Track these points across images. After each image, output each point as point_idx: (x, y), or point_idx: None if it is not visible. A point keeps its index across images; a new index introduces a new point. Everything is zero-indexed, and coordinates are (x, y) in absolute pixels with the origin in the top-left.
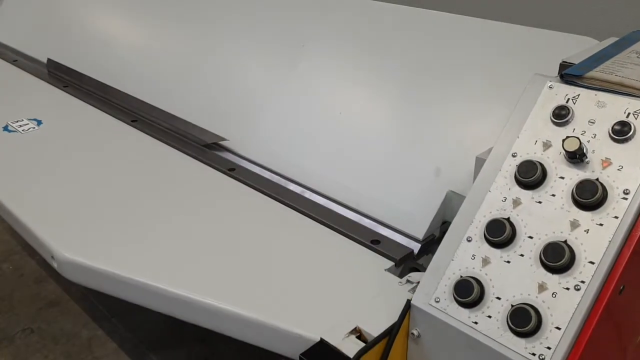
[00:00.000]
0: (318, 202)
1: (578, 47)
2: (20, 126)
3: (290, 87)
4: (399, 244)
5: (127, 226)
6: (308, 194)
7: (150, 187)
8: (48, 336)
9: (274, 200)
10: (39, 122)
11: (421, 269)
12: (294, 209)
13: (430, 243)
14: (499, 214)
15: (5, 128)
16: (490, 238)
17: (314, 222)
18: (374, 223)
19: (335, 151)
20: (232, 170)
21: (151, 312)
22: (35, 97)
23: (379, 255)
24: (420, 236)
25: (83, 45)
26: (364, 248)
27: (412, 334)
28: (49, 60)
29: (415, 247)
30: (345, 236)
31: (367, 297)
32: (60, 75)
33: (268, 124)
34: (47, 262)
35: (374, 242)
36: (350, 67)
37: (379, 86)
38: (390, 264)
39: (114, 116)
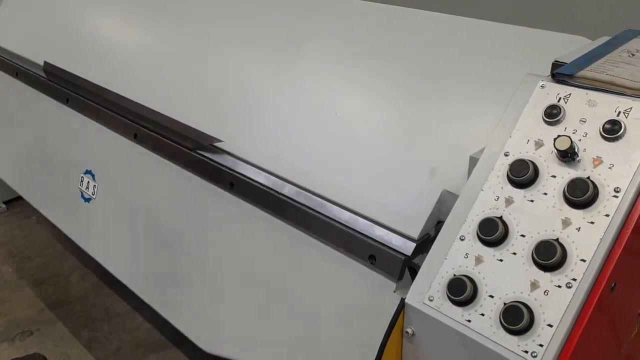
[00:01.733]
0: (313, 203)
1: (571, 47)
2: (87, 188)
3: (285, 88)
4: (394, 256)
5: None
6: (304, 196)
7: None
8: (48, 338)
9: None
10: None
11: (417, 268)
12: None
13: (426, 242)
14: (492, 213)
15: (83, 197)
16: (483, 237)
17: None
18: (369, 223)
19: (331, 151)
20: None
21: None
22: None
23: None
24: (416, 235)
25: (79, 47)
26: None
27: (407, 332)
28: (45, 63)
29: (411, 246)
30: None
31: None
32: (57, 78)
33: (263, 125)
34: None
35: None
36: (346, 67)
37: (374, 86)
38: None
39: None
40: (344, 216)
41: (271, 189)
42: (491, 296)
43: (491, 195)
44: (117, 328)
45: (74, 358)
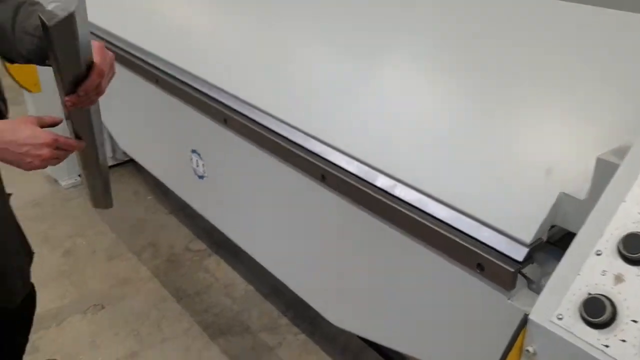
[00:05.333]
0: (410, 199)
1: None
2: (197, 166)
3: (384, 79)
4: (504, 262)
5: None
6: (399, 189)
7: None
8: (118, 314)
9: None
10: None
11: (528, 275)
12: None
13: (538, 248)
14: (638, 228)
15: (196, 174)
16: (626, 254)
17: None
18: (474, 223)
19: (433, 145)
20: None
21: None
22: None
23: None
24: (528, 240)
25: (167, 35)
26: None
27: (527, 351)
28: (133, 46)
29: (522, 251)
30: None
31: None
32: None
33: (359, 117)
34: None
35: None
36: (450, 59)
37: (485, 79)
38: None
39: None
40: (444, 213)
41: (363, 180)
42: (634, 321)
43: (636, 207)
44: (186, 309)
45: (143, 335)
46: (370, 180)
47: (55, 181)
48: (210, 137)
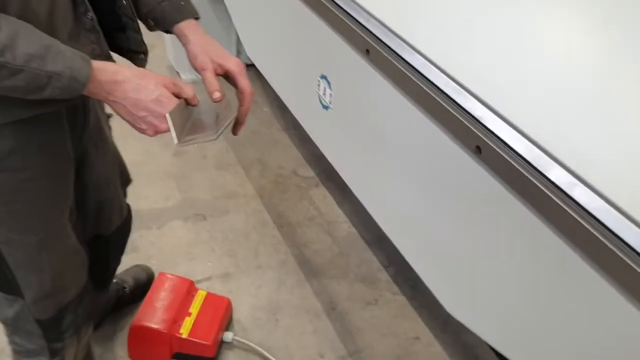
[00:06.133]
0: (594, 207)
1: None
2: (324, 95)
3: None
4: None
5: None
6: (579, 190)
7: None
8: (218, 228)
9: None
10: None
11: None
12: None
13: None
14: None
15: (321, 103)
16: None
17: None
18: None
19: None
20: None
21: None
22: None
23: None
24: None
25: None
26: None
27: None
28: None
29: None
30: None
31: None
32: None
33: (542, 83)
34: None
35: None
36: None
37: None
38: None
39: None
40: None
41: (532, 166)
42: None
43: None
44: (285, 238)
45: (239, 257)
46: (542, 170)
47: (177, 73)
48: (346, 66)
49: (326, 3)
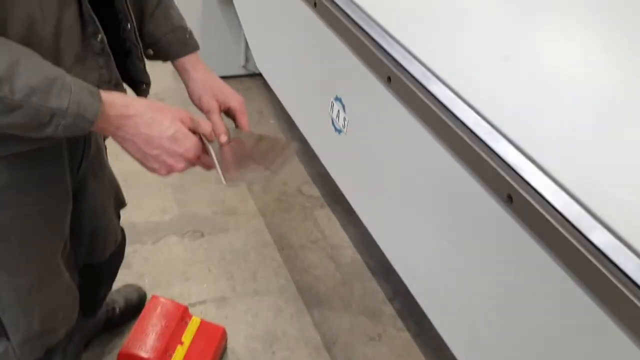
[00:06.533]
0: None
1: None
2: (338, 118)
3: None
4: None
5: None
6: (624, 257)
7: None
8: (215, 247)
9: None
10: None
11: None
12: None
13: None
14: None
15: (334, 126)
16: None
17: None
18: None
19: None
20: None
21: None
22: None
23: None
24: None
25: None
26: None
27: None
28: None
29: None
30: None
31: None
32: None
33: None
34: None
35: None
36: None
37: None
38: None
39: None
40: None
41: (572, 224)
42: None
43: None
44: (286, 262)
45: (236, 280)
46: (584, 232)
47: None
48: (365, 91)
49: (348, 24)
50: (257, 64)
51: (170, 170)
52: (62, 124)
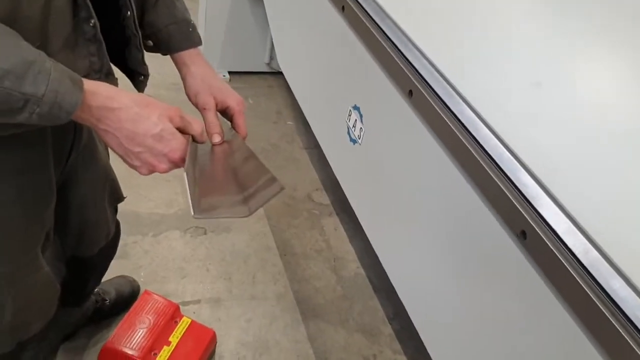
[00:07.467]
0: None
1: None
2: (354, 127)
3: None
4: None
5: None
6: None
7: None
8: (216, 246)
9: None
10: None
11: None
12: None
13: None
14: None
15: (349, 136)
16: None
17: None
18: None
19: None
20: None
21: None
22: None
23: None
24: None
25: None
26: None
27: None
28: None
29: None
30: None
31: None
32: None
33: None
34: None
35: None
36: None
37: None
38: None
39: None
40: None
41: (588, 271)
42: None
43: None
44: (287, 269)
45: (234, 282)
46: (600, 279)
47: None
48: (384, 103)
49: (374, 31)
50: (280, 63)
51: (152, 170)
52: (36, 111)
